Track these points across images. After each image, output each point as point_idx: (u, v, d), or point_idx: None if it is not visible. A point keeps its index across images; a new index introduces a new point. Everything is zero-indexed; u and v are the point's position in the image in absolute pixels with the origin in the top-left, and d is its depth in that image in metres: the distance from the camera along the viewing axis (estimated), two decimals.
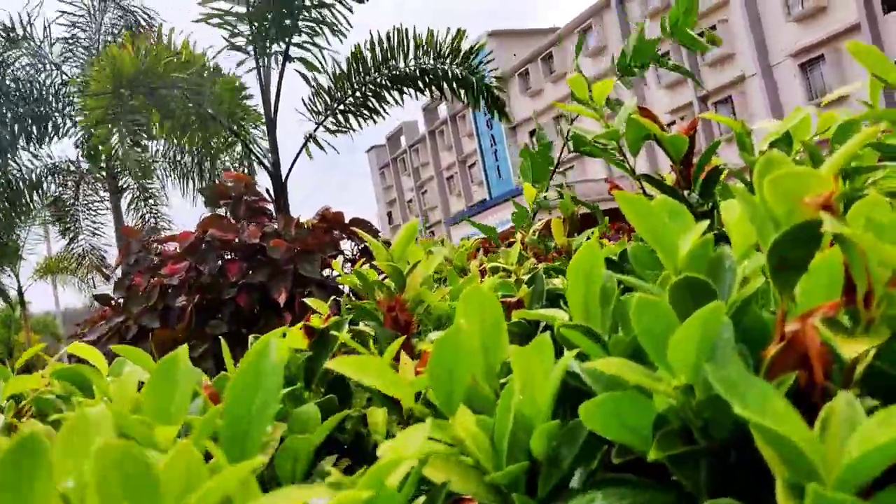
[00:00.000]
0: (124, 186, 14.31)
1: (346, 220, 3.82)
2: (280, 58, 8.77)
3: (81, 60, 13.91)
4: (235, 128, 9.26)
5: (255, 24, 8.38)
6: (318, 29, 8.58)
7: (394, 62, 8.69)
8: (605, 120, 1.31)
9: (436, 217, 52.45)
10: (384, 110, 9.10)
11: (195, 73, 8.55)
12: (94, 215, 15.43)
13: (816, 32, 27.70)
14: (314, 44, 8.67)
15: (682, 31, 1.65)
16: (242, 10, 8.34)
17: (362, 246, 3.79)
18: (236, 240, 3.40)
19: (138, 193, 14.18)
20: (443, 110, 50.88)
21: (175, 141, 10.72)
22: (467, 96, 9.17)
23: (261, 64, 8.78)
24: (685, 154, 1.18)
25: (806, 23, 28.08)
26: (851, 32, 26.64)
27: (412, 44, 8.62)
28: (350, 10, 8.70)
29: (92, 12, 14.30)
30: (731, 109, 31.11)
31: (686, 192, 1.17)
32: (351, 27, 8.83)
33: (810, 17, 27.81)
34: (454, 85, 8.97)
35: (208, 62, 8.95)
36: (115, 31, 14.24)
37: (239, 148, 10.47)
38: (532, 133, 41.55)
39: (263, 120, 9.16)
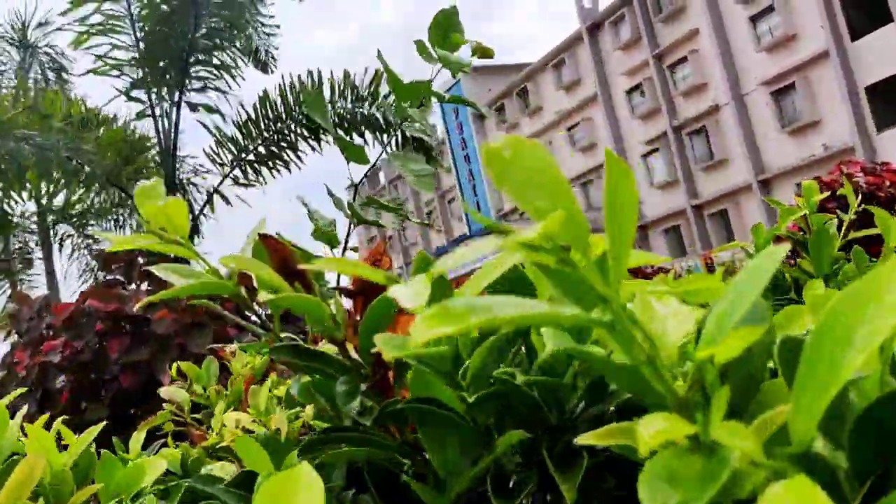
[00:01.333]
0: (63, 236, 13.33)
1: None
2: (175, 105, 8.18)
3: None
4: (125, 181, 8.41)
5: (147, 70, 7.88)
6: (216, 73, 8.13)
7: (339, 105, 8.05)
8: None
9: (416, 252, 52.33)
10: (300, 160, 8.38)
11: (73, 123, 7.87)
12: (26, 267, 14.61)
13: (787, 60, 28.21)
14: (216, 88, 8.18)
15: (445, 58, 1.46)
16: (131, 56, 7.89)
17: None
18: (120, 311, 3.06)
19: (79, 242, 13.31)
20: None
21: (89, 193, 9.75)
22: (390, 141, 8.27)
23: (157, 112, 8.24)
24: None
25: (776, 51, 28.61)
26: (821, 59, 27.18)
27: (327, 87, 7.87)
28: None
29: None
30: (706, 139, 31.49)
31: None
32: (275, 69, 8.54)
33: (780, 45, 28.36)
34: (375, 130, 8.24)
35: (99, 113, 8.30)
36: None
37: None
38: None
39: (162, 172, 8.44)
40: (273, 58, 9.30)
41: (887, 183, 7.52)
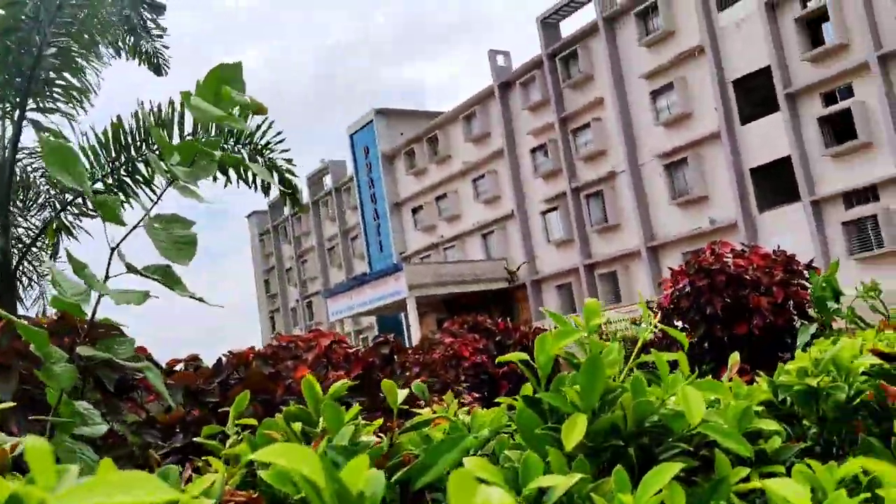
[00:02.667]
0: None
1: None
2: (16, 123, 7.34)
3: None
4: None
5: None
6: (64, 96, 7.41)
7: (173, 135, 7.25)
8: None
9: (315, 287, 51.72)
10: (154, 192, 7.59)
11: None
12: None
13: (681, 137, 29.84)
14: (58, 110, 7.45)
15: (205, 113, 1.39)
16: None
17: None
18: None
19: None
20: (328, 181, 50.90)
21: None
22: (255, 180, 7.83)
23: None
24: None
25: (672, 127, 30.24)
26: (712, 139, 28.88)
27: (188, 119, 7.20)
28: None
29: None
30: (602, 203, 32.76)
31: None
32: (169, 69, 8.11)
33: (676, 122, 30.00)
34: (239, 168, 7.67)
35: None
36: None
37: None
38: (416, 210, 42.18)
39: None
40: (165, 60, 8.97)
41: (754, 266, 8.12)
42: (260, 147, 7.45)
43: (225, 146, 7.17)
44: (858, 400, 1.46)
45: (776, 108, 27.00)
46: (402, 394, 1.31)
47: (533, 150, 35.56)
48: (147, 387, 4.26)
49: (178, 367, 4.91)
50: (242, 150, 7.37)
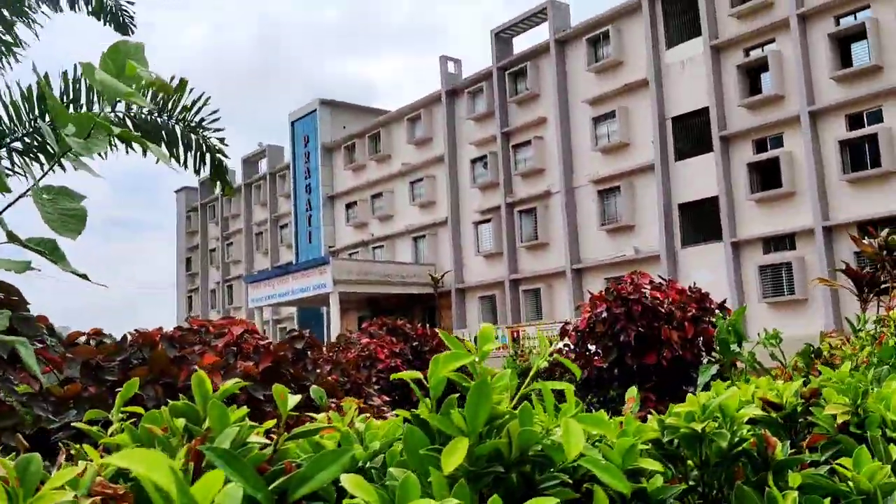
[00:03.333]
0: None
1: None
2: None
3: None
4: None
5: None
6: None
7: (92, 104, 6.72)
8: None
9: (238, 271, 50.73)
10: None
11: None
12: None
13: (616, 164, 30.52)
14: None
15: (105, 83, 1.32)
16: None
17: None
18: None
19: None
20: (263, 165, 50.06)
21: None
22: (185, 158, 7.43)
23: None
24: None
25: (609, 154, 30.91)
26: (646, 171, 29.63)
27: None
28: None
29: None
30: (534, 219, 33.19)
31: None
32: (135, 28, 7.85)
33: (614, 149, 30.67)
34: (172, 144, 7.30)
35: None
36: None
37: None
38: (350, 205, 41.87)
39: None
40: (130, 17, 8.54)
41: (669, 299, 8.35)
42: (192, 124, 7.11)
43: (158, 120, 6.87)
44: (741, 447, 1.51)
45: (710, 149, 27.89)
46: (294, 399, 1.29)
47: (473, 161, 35.78)
48: (48, 358, 4.09)
49: (80, 340, 4.74)
50: (175, 126, 7.02)
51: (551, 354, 1.45)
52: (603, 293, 8.50)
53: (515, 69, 34.19)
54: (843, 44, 25.08)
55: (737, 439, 1.49)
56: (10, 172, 6.31)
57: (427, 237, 37.56)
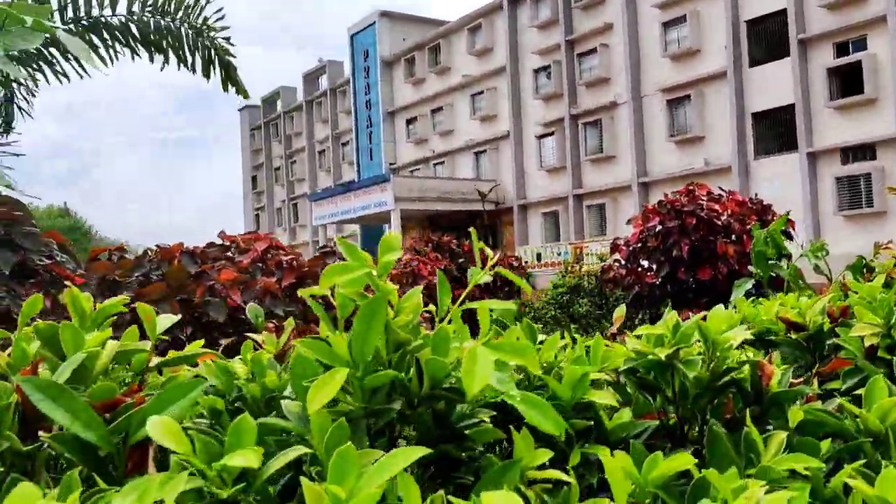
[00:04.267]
0: None
1: None
2: None
3: None
4: None
5: None
6: None
7: (95, 9, 6.35)
8: None
9: (302, 189, 51.29)
10: (85, 71, 6.61)
11: None
12: None
13: (687, 72, 29.11)
14: None
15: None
16: None
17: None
18: None
19: None
20: (324, 81, 49.77)
21: None
22: (193, 62, 7.00)
23: None
24: None
25: (679, 61, 29.46)
26: (718, 78, 28.19)
27: None
28: None
29: None
30: (599, 132, 32.20)
31: None
32: None
33: (684, 56, 29.20)
34: (176, 46, 6.88)
35: None
36: None
37: None
38: (410, 121, 41.44)
39: None
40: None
41: (728, 212, 7.90)
42: (197, 26, 6.74)
43: (162, 23, 6.52)
44: (727, 377, 1.26)
45: (786, 54, 26.26)
46: (168, 321, 1.09)
47: (536, 71, 34.65)
48: (63, 274, 4.05)
49: (102, 256, 4.70)
50: (181, 29, 6.68)
51: (492, 268, 1.20)
52: (656, 206, 8.10)
53: None
54: None
55: (723, 367, 1.24)
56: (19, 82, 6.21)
57: (488, 152, 36.97)
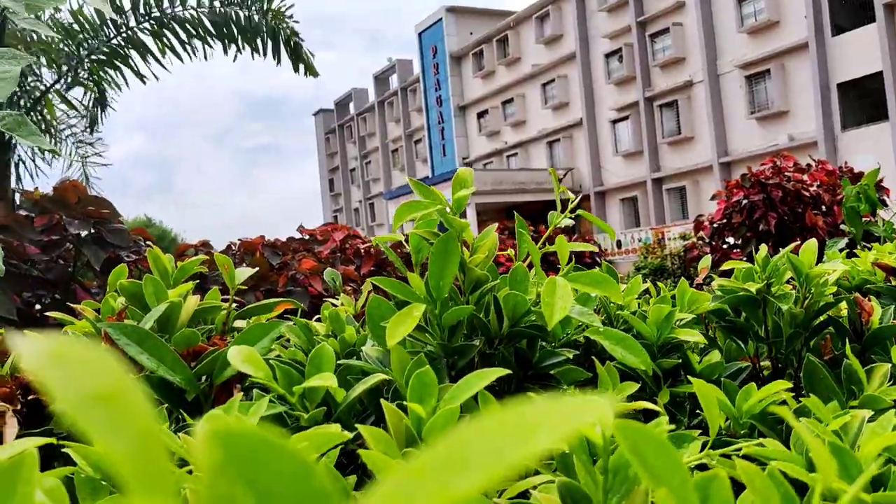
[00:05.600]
0: None
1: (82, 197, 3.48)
2: None
3: None
4: None
5: None
6: None
7: (166, 4, 6.53)
8: None
9: (378, 189, 51.93)
10: (162, 66, 6.87)
11: None
12: None
13: (766, 46, 28.08)
14: None
15: None
16: None
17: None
18: None
19: None
20: (394, 81, 50.23)
21: None
22: (264, 48, 7.11)
23: None
24: None
25: (757, 35, 28.45)
26: (799, 50, 27.10)
27: None
28: None
29: None
30: (676, 113, 31.41)
31: None
32: None
33: (762, 30, 28.18)
34: (248, 34, 6.97)
35: None
36: None
37: None
38: (481, 114, 41.38)
39: None
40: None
41: (817, 183, 7.56)
42: (265, 10, 6.80)
43: (233, 12, 6.65)
44: (823, 315, 1.19)
45: (872, 19, 25.00)
46: (247, 272, 1.10)
47: (607, 56, 34.04)
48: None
49: (188, 252, 4.86)
50: (253, 16, 6.78)
51: (573, 211, 1.17)
52: (739, 180, 7.83)
53: None
54: None
55: (820, 304, 1.17)
56: (94, 83, 6.44)
57: (562, 140, 36.56)
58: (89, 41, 6.39)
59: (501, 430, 0.19)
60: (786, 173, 7.35)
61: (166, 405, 0.90)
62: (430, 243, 0.99)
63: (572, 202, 1.08)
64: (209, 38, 6.65)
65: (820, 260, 3.43)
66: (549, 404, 0.20)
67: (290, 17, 7.01)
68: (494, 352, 1.00)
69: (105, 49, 6.43)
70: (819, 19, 26.33)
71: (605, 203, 34.68)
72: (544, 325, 1.00)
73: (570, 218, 1.15)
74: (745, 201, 7.48)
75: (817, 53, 26.33)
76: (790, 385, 0.90)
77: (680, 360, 1.09)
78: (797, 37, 27.05)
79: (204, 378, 0.95)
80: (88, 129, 7.60)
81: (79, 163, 8.67)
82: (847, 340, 1.20)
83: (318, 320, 1.38)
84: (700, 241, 8.28)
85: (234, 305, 1.18)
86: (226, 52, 6.80)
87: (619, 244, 29.78)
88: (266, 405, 0.72)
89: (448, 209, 0.98)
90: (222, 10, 6.59)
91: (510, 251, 1.13)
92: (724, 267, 1.19)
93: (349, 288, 3.38)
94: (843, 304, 1.23)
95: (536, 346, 1.02)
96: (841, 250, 3.22)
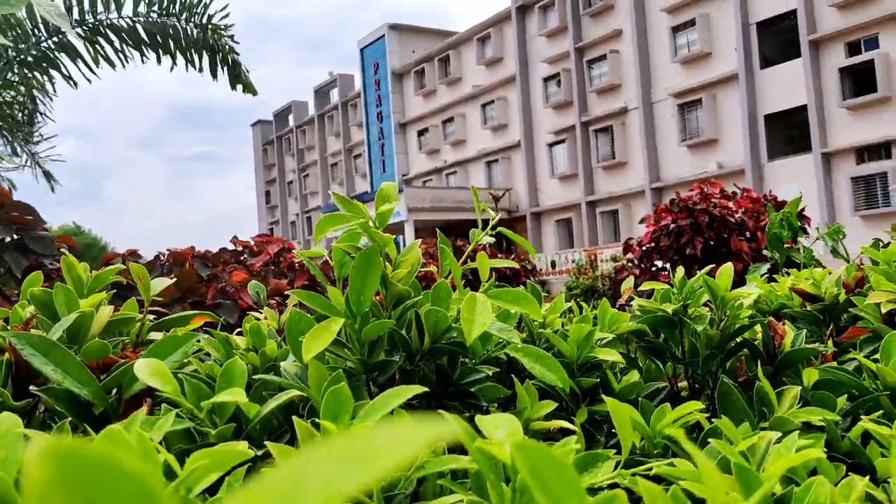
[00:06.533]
0: None
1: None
2: None
3: None
4: None
5: None
6: None
7: (101, 12, 6.29)
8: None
9: (316, 202, 51.48)
10: (94, 73, 6.56)
11: None
12: None
13: (698, 76, 29.02)
14: None
15: None
16: None
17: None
18: None
19: None
20: (335, 95, 50.03)
21: None
22: (200, 61, 6.93)
23: None
24: None
25: (690, 65, 29.38)
26: (730, 81, 28.09)
27: None
28: None
29: None
30: (611, 138, 32.13)
31: None
32: None
33: (695, 60, 29.11)
34: (184, 46, 6.77)
35: None
36: None
37: None
38: (422, 132, 41.53)
39: None
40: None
41: (742, 209, 7.82)
42: (203, 24, 6.66)
43: (168, 22, 6.45)
44: (738, 338, 1.22)
45: (798, 55, 26.13)
46: (163, 283, 1.07)
47: (546, 79, 34.65)
48: None
49: (115, 261, 4.71)
50: (188, 28, 6.61)
51: (493, 228, 1.18)
52: (668, 205, 8.04)
53: None
54: None
55: (734, 326, 1.20)
56: (20, 85, 6.19)
57: (500, 161, 36.96)
58: (20, 44, 6.17)
59: (339, 456, 0.18)
60: (712, 199, 7.58)
61: (70, 419, 0.86)
62: (352, 257, 0.98)
63: (494, 219, 1.09)
64: (144, 49, 6.48)
65: (743, 284, 3.54)
66: (390, 429, 0.20)
67: (232, 36, 6.88)
68: (415, 368, 0.99)
69: (35, 52, 6.21)
70: (749, 52, 27.38)
71: (541, 224, 35.15)
72: (465, 341, 1.00)
73: (504, 239, 1.16)
74: (672, 225, 7.68)
75: (746, 85, 27.35)
76: (703, 406, 0.91)
77: (599, 379, 1.10)
78: (728, 68, 28.05)
79: (114, 391, 0.92)
80: (28, 129, 7.37)
81: (30, 161, 8.45)
82: (760, 363, 1.24)
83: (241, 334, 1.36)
84: (630, 264, 8.46)
85: (150, 317, 1.15)
86: (159, 62, 6.64)
87: (553, 264, 30.18)
88: (172, 420, 0.70)
89: (371, 223, 0.97)
90: (159, 20, 6.43)
91: (433, 267, 1.13)
92: (644, 287, 1.22)
93: (273, 302, 3.33)
94: (759, 328, 1.26)
95: (457, 363, 1.02)
96: (762, 275, 3.33)
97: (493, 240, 1.15)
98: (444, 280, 1.00)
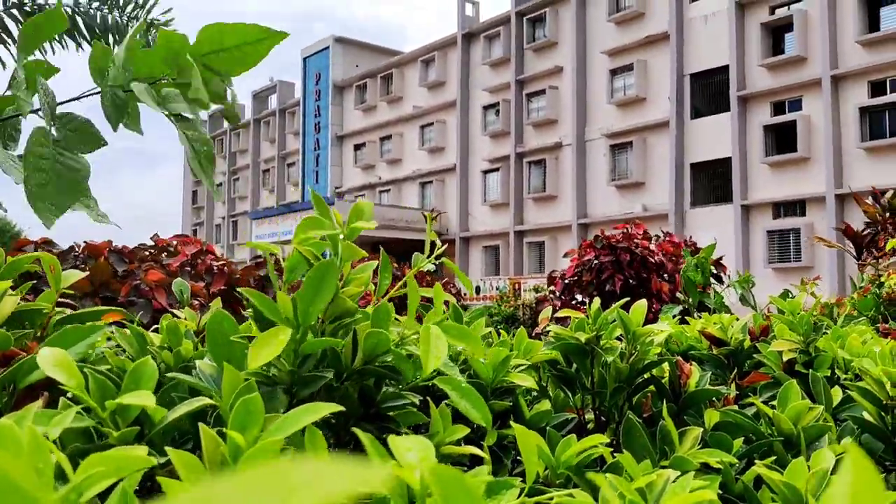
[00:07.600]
0: None
1: None
2: None
3: None
4: None
5: None
6: None
7: None
8: None
9: (243, 207, 50.56)
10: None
11: None
12: None
13: (631, 119, 29.90)
14: None
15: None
16: None
17: None
18: None
19: None
20: (273, 101, 49.46)
21: None
22: None
23: None
24: None
25: (624, 108, 30.26)
26: (661, 128, 29.04)
27: None
28: None
29: None
30: (543, 171, 32.71)
31: None
32: None
33: (629, 104, 30.01)
34: (117, 37, 6.39)
35: None
36: None
37: None
38: (358, 147, 41.40)
39: None
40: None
41: (663, 252, 8.08)
42: (136, 17, 6.38)
43: (108, 17, 6.24)
44: (647, 374, 1.26)
45: (727, 109, 27.25)
46: (75, 276, 1.04)
47: (486, 108, 35.13)
48: None
49: (27, 249, 4.52)
50: (129, 25, 6.28)
51: (438, 257, 1.19)
52: (592, 241, 8.24)
53: (534, 15, 33.30)
54: (871, 7, 24.22)
55: (644, 362, 1.24)
56: None
57: (434, 183, 37.15)
58: None
59: (258, 489, 0.18)
60: (635, 240, 7.80)
61: None
62: (311, 265, 0.98)
63: (439, 248, 1.10)
64: (80, 40, 6.21)
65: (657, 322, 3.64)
66: (315, 467, 0.20)
67: (169, 28, 6.67)
68: (339, 386, 0.99)
69: None
70: (681, 102, 28.41)
71: (469, 249, 35.41)
72: (399, 367, 1.00)
73: (433, 263, 1.17)
74: (595, 261, 7.86)
75: (676, 132, 28.33)
76: (608, 440, 0.94)
77: (511, 404, 1.12)
78: (660, 115, 29.02)
79: (11, 386, 0.88)
80: None
81: None
82: (665, 400, 1.28)
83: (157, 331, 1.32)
84: (552, 295, 8.61)
85: (60, 310, 1.11)
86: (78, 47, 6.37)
87: (477, 290, 30.39)
88: (72, 416, 0.68)
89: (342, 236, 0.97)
90: (98, 13, 6.20)
91: (371, 286, 1.13)
92: (560, 314, 1.25)
93: (196, 303, 3.25)
94: (667, 366, 1.31)
95: (382, 386, 1.02)
96: (675, 316, 3.45)
97: (433, 267, 1.16)
98: (385, 301, 1.00)
